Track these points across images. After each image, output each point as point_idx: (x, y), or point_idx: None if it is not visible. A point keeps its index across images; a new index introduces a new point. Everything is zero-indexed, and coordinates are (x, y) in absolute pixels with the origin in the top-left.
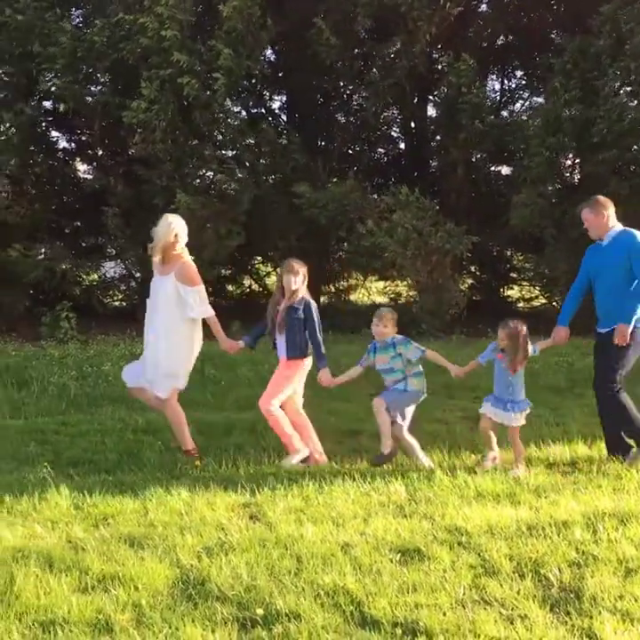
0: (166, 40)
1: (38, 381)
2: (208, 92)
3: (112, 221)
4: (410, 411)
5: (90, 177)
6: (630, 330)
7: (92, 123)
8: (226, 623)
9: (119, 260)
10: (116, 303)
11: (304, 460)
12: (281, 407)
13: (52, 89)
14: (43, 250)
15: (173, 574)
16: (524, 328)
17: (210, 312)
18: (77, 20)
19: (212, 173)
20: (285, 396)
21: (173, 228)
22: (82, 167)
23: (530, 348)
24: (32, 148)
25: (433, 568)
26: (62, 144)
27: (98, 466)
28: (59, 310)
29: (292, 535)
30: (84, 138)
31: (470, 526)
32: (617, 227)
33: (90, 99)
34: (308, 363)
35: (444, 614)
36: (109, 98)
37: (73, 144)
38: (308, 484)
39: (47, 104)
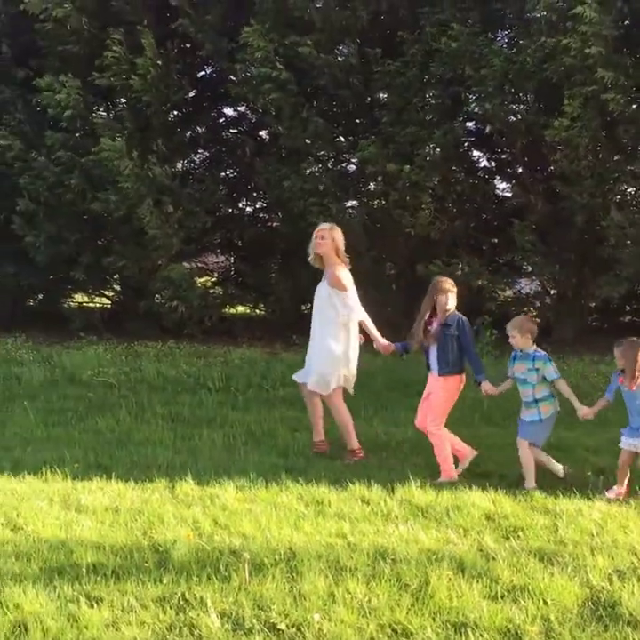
0: (590, 57)
1: None
2: (634, 106)
3: (523, 237)
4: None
5: (508, 194)
6: None
7: (513, 141)
8: None
9: (534, 277)
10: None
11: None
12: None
13: (476, 110)
14: (460, 265)
15: (583, 594)
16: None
17: (356, 316)
18: (503, 42)
19: (635, 189)
20: (447, 413)
21: (329, 237)
22: (501, 185)
23: None
24: (454, 167)
25: None
26: (483, 163)
27: (508, 479)
28: (477, 324)
29: None
30: (503, 156)
31: None
32: None
33: (513, 118)
34: (461, 380)
35: None
36: (532, 117)
37: (493, 162)
38: None
39: (470, 125)
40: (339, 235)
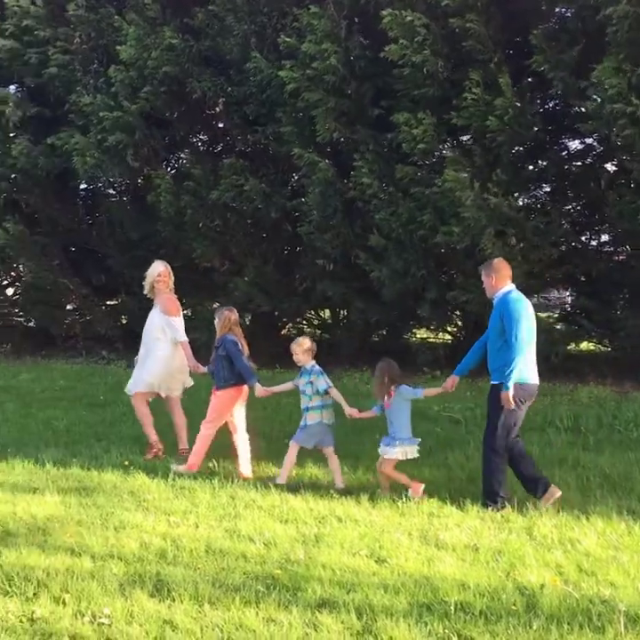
0: None
1: None
2: None
3: None
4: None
5: None
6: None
7: None
8: None
9: None
10: None
11: None
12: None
13: None
14: None
15: None
16: (388, 364)
17: (180, 338)
18: None
19: None
20: (222, 419)
21: (157, 271)
22: None
23: (412, 389)
24: None
25: None
26: None
27: None
28: None
29: None
30: None
31: None
32: (505, 288)
33: None
34: (237, 391)
35: None
36: None
37: None
38: None
39: None
40: (168, 270)
